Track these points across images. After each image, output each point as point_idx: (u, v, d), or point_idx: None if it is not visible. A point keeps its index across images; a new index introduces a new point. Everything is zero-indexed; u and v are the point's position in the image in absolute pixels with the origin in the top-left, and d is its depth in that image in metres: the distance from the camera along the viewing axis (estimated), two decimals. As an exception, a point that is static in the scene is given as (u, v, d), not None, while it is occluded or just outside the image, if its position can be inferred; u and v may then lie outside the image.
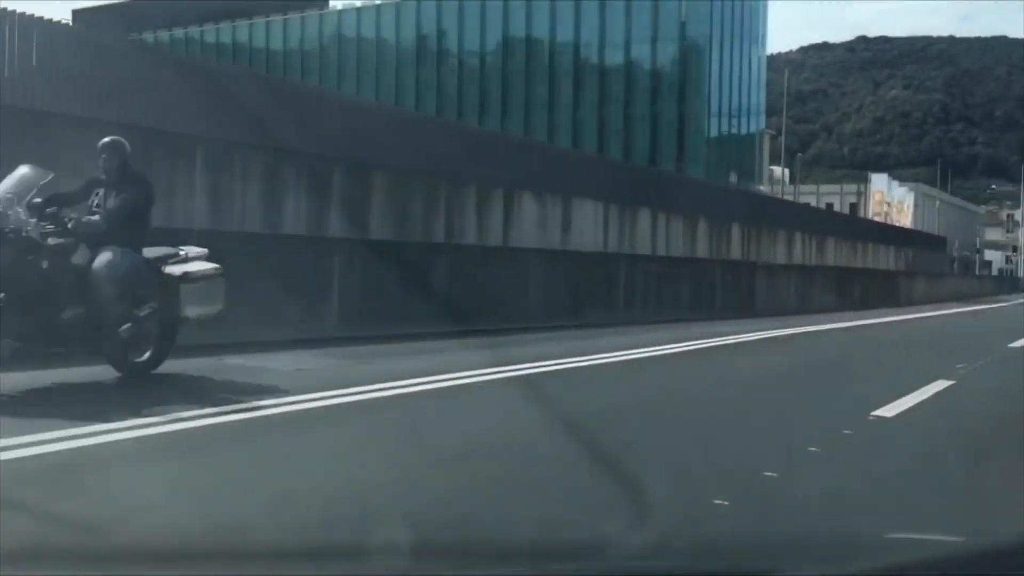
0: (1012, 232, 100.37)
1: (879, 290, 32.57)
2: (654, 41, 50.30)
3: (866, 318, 21.17)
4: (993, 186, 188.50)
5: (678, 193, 24.47)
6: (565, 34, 52.58)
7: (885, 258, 40.77)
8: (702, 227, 25.31)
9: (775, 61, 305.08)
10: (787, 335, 14.42)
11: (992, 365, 10.55)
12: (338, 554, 2.50)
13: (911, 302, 34.97)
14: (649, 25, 50.24)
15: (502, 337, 10.26)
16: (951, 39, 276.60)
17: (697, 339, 12.24)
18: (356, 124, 14.23)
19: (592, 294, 16.08)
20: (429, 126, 18.93)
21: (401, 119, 18.35)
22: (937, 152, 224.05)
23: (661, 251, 23.00)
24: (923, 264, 45.27)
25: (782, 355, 11.66)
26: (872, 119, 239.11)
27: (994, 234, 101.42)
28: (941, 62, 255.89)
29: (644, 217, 22.40)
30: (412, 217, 15.26)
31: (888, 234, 42.80)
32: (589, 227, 20.27)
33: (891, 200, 60.08)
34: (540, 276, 14.46)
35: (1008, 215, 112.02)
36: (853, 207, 64.87)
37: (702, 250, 25.25)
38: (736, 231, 27.39)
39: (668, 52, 50.08)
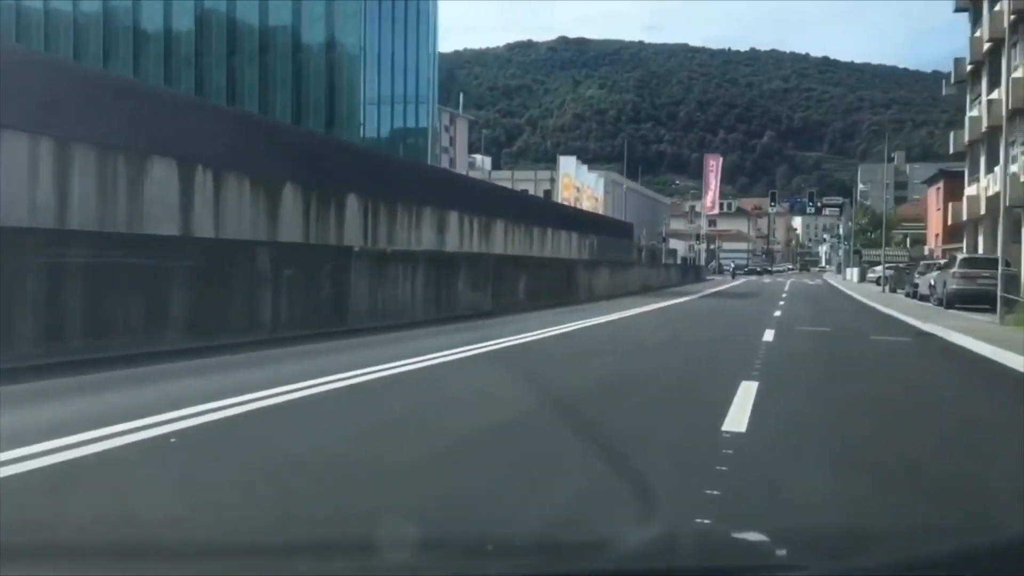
0: (694, 223, 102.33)
1: (554, 283, 25.79)
2: (296, 27, 43.08)
3: (514, 332, 13.53)
4: (677, 181, 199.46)
5: (243, 140, 15.47)
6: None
7: (568, 245, 34.60)
8: (289, 197, 16.57)
9: (484, 56, 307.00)
10: (257, 409, 5.98)
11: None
12: (343, 549, 2.47)
13: (592, 296, 28.77)
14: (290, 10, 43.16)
15: None
16: (641, 44, 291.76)
17: None
18: None
19: None
20: None
21: None
22: (629, 148, 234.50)
23: (206, 231, 13.99)
24: (611, 252, 39.99)
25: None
26: (572, 115, 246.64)
27: (678, 224, 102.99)
28: (633, 65, 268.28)
29: (162, 173, 13.22)
30: None
31: (571, 218, 36.76)
32: (19, 185, 10.79)
33: (580, 185, 55.39)
34: None
35: (691, 206, 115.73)
36: (548, 194, 60.09)
37: (291, 231, 16.54)
38: (354, 206, 18.95)
39: (315, 38, 43.28)
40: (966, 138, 33.94)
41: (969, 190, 34.72)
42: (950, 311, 22.99)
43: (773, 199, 61.35)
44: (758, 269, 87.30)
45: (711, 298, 31.75)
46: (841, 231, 71.67)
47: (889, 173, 59.91)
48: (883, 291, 38.82)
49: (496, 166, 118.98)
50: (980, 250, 31.00)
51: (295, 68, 44.09)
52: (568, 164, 53.88)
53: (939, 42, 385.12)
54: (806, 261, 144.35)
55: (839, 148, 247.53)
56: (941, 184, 54.90)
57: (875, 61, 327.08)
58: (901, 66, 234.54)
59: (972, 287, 23.30)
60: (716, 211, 78.89)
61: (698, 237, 73.71)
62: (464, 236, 24.78)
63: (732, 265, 59.23)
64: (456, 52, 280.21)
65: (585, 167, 57.99)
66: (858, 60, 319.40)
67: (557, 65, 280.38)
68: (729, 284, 48.36)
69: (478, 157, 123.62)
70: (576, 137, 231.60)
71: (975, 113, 32.29)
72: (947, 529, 2.96)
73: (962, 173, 55.03)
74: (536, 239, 31.10)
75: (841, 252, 71.10)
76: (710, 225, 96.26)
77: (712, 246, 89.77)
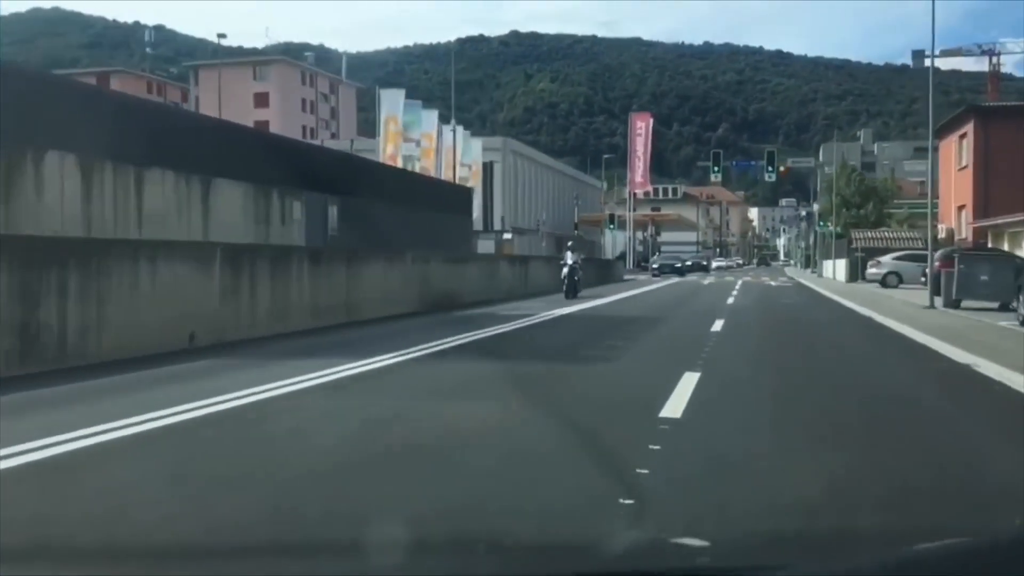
0: (636, 210, 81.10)
1: None
2: None
3: None
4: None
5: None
6: None
7: (187, 210, 12.90)
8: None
9: (436, 50, 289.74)
10: None
11: None
12: (335, 550, 2.27)
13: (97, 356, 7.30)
14: None
15: None
16: (594, 38, 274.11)
17: None
18: None
19: None
20: None
21: None
22: (582, 141, 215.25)
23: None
24: (396, 232, 18.41)
25: None
26: (523, 109, 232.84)
27: (618, 212, 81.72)
28: (586, 59, 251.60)
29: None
30: None
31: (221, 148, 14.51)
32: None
33: (428, 142, 33.60)
34: None
35: (632, 194, 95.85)
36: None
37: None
38: None
39: None
40: None
41: None
42: None
43: (716, 163, 39.08)
44: (677, 264, 47.90)
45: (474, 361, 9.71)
46: (815, 207, 48.47)
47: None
48: (930, 306, 17.15)
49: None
50: None
51: None
52: (394, 102, 31.57)
53: (891, 36, 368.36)
54: (764, 255, 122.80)
55: (794, 140, 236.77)
56: (970, 128, 33.49)
57: (828, 55, 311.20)
58: (854, 59, 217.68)
59: None
60: (648, 188, 55.03)
61: (612, 219, 51.04)
62: None
63: (567, 265, 25.68)
64: (406, 47, 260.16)
65: (434, 113, 35.94)
66: (811, 53, 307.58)
67: (509, 60, 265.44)
68: (618, 296, 24.06)
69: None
70: (527, 131, 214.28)
71: None
72: (936, 528, 2.81)
73: (1013, 109, 33.90)
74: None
75: (811, 238, 49.68)
76: (652, 209, 74.64)
77: (645, 234, 66.99)
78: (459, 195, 25.31)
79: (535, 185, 59.56)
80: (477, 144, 38.73)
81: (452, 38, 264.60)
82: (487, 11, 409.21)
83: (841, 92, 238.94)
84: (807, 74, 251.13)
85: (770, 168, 37.59)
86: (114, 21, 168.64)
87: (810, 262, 53.18)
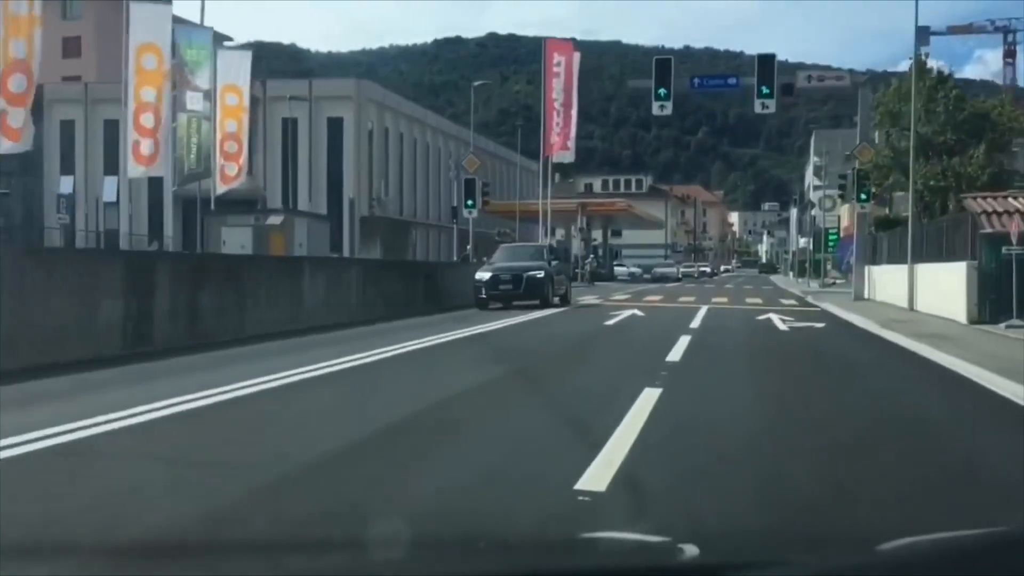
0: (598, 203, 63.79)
1: None
2: None
3: None
4: (609, 179, 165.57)
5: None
6: None
7: None
8: None
9: (411, 52, 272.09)
10: None
11: None
12: (335, 547, 2.19)
13: None
14: None
15: None
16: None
17: None
18: None
19: None
20: None
21: None
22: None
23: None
24: None
25: None
26: (498, 111, 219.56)
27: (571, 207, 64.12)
28: None
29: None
30: None
31: None
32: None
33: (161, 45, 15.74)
34: None
35: (587, 184, 79.97)
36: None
37: None
38: None
39: None
40: None
41: None
42: None
43: (662, 80, 20.42)
44: None
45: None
46: (849, 163, 24.63)
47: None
48: None
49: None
50: None
51: None
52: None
53: (874, 42, 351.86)
54: (766, 261, 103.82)
55: (776, 145, 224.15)
56: None
57: (810, 60, 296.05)
58: (836, 65, 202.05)
59: None
60: (569, 151, 31.47)
61: (470, 192, 26.67)
62: None
63: None
64: (381, 48, 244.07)
65: (231, 47, 18.15)
66: (793, 59, 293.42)
67: (486, 62, 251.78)
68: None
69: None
70: (502, 133, 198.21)
71: None
72: (936, 525, 2.74)
73: None
74: None
75: (812, 235, 30.64)
76: (559, 177, 55.01)
77: (576, 230, 45.09)
78: None
79: (419, 154, 41.77)
80: (240, 59, 20.52)
81: (429, 39, 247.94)
82: (467, 17, 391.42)
83: (823, 97, 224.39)
84: (789, 78, 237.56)
85: (765, 88, 19.67)
86: None
87: (817, 270, 34.23)
